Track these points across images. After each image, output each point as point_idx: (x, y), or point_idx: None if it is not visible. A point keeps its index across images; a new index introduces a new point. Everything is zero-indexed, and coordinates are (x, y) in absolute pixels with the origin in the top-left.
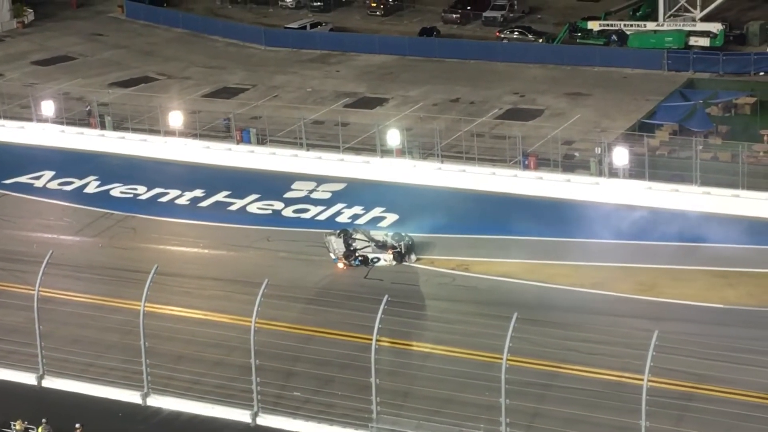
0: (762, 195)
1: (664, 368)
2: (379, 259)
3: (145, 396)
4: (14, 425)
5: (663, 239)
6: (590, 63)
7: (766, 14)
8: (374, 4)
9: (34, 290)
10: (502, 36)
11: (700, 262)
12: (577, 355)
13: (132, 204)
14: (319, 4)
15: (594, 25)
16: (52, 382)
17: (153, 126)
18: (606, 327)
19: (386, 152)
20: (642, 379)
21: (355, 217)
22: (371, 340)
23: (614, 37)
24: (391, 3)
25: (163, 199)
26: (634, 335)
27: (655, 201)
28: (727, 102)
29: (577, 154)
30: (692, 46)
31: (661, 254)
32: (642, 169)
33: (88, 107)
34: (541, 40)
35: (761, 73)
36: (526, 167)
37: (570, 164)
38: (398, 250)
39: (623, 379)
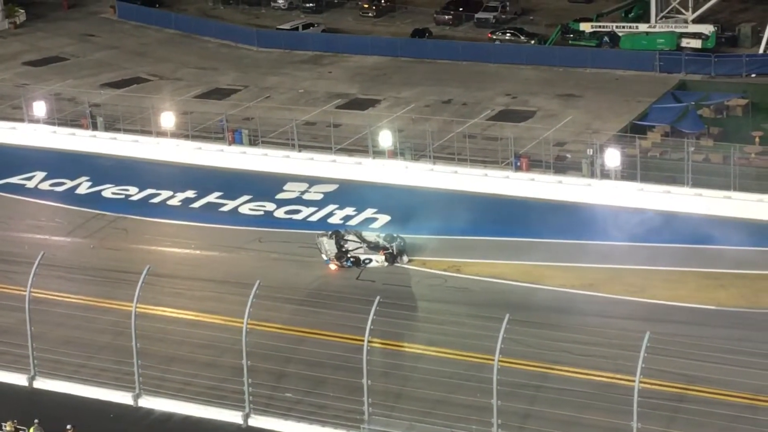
0: (753, 196)
1: (655, 369)
2: (371, 261)
3: (136, 397)
4: (5, 426)
5: (654, 241)
6: (582, 64)
7: (758, 16)
8: (366, 6)
9: (25, 291)
10: (494, 37)
11: (691, 264)
12: (569, 357)
13: (124, 205)
14: (311, 5)
15: (586, 27)
16: (43, 383)
17: (145, 127)
18: (597, 328)
19: (378, 153)
20: (633, 381)
21: (347, 218)
22: (363, 341)
23: (606, 38)
24: (384, 4)
25: (155, 200)
26: (625, 336)
27: (646, 203)
28: (719, 104)
29: (569, 155)
30: (684, 47)
31: (653, 256)
32: (634, 171)
33: (90, 109)
34: (533, 42)
35: (753, 75)
36: (518, 169)
37: (562, 166)
38: (390, 251)
39: (615, 381)
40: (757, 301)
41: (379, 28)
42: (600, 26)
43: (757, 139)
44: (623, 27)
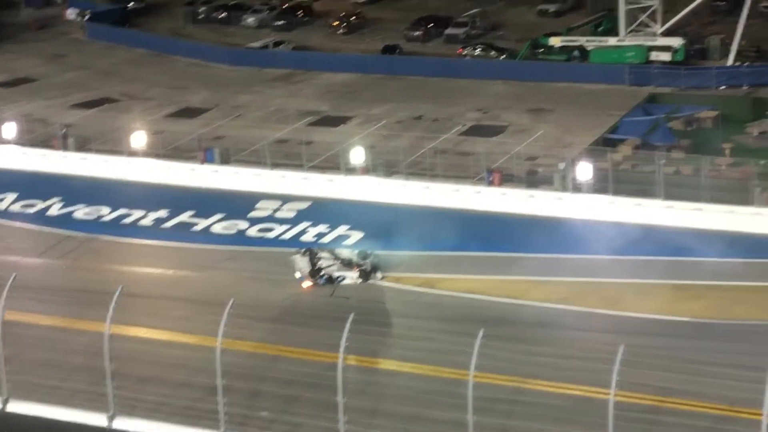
0: (724, 208)
1: (630, 382)
2: (344, 278)
3: (111, 418)
4: None
5: (627, 253)
6: (553, 79)
7: (727, 29)
8: (336, 23)
9: None
10: (465, 53)
11: (664, 276)
12: (544, 370)
13: (96, 225)
14: (281, 23)
15: (555, 41)
16: (17, 406)
17: (116, 147)
18: (572, 342)
19: (351, 170)
20: (609, 394)
21: (321, 235)
22: (338, 358)
23: (576, 52)
24: (354, 21)
25: (127, 220)
26: (600, 350)
27: (618, 215)
28: (689, 116)
29: (540, 169)
30: (654, 60)
31: (626, 268)
32: (605, 184)
33: (64, 130)
34: (503, 57)
35: (722, 87)
36: (491, 183)
37: (534, 180)
38: (364, 268)
39: (590, 394)
40: (731, 312)
41: (349, 45)
42: (569, 40)
43: (727, 151)
44: (592, 41)
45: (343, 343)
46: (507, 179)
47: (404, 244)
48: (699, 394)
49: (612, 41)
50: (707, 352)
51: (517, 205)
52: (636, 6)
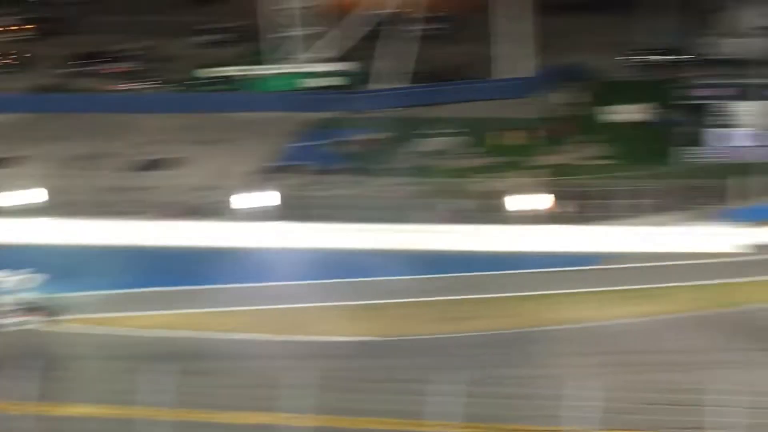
0: (395, 227)
1: (318, 405)
2: (27, 322)
3: None
4: None
5: (307, 278)
6: (221, 109)
7: (391, 52)
8: None
9: None
10: (130, 87)
11: (345, 297)
12: (230, 401)
13: None
14: None
15: (221, 72)
16: None
17: None
18: (257, 370)
19: (26, 212)
20: (291, 418)
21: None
22: (16, 407)
23: (241, 82)
24: (12, 59)
25: None
26: (285, 375)
27: (292, 241)
28: (358, 139)
29: (211, 200)
30: (321, 87)
31: (308, 293)
32: (278, 211)
33: None
34: (169, 90)
35: (388, 110)
36: (165, 218)
37: (205, 211)
38: (48, 311)
39: (275, 420)
40: (409, 329)
41: (8, 84)
42: (236, 71)
43: (398, 171)
44: (260, 70)
45: (20, 389)
46: (183, 212)
47: (89, 284)
48: (385, 412)
49: (279, 69)
50: (389, 369)
51: (196, 238)
52: (300, 33)
